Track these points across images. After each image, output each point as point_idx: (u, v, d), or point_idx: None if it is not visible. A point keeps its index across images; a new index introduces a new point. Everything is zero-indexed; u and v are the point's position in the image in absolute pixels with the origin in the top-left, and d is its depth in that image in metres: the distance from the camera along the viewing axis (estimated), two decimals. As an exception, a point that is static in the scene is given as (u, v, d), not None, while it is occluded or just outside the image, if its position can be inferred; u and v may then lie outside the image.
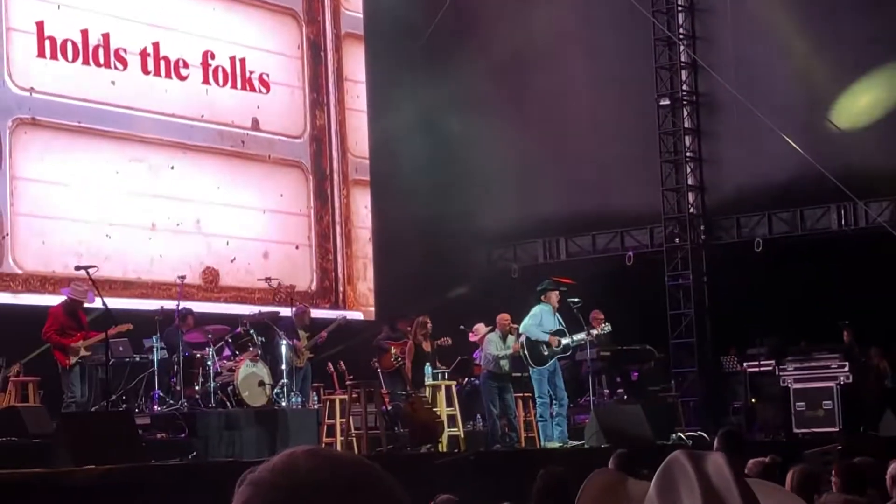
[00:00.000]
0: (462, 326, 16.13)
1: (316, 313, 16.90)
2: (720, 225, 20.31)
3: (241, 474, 4.27)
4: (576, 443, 14.41)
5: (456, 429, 15.14)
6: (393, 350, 15.68)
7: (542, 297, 14.72)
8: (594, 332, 15.08)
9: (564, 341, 14.49)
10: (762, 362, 17.64)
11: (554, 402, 14.53)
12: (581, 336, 14.70)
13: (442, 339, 15.90)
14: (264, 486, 1.61)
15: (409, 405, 14.40)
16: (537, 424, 14.87)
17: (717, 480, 1.84)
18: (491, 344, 14.98)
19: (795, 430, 16.69)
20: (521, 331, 14.60)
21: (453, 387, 15.44)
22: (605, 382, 17.39)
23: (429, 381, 15.31)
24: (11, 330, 14.02)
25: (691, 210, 20.23)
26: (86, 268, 13.20)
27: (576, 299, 14.88)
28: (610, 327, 15.38)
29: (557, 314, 14.69)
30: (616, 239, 20.96)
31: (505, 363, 14.84)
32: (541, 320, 14.55)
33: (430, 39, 20.36)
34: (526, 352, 14.47)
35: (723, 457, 1.88)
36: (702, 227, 20.24)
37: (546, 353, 14.40)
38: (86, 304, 13.65)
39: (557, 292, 14.75)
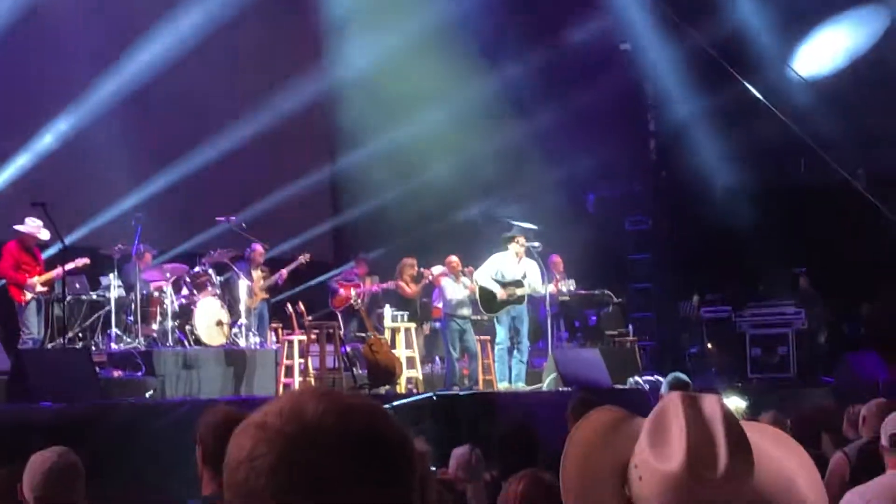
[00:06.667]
0: (420, 269, 16.02)
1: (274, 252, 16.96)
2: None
3: (200, 413, 4.13)
4: (533, 386, 14.36)
5: (414, 370, 15.16)
6: (353, 293, 15.74)
7: (509, 244, 14.55)
8: (554, 286, 14.92)
9: (520, 292, 14.31)
10: (719, 308, 17.83)
11: (515, 347, 14.50)
12: (539, 290, 14.52)
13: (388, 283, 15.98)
14: (271, 432, 1.54)
15: (369, 346, 14.40)
16: (494, 367, 14.84)
17: (708, 421, 1.84)
18: (446, 287, 14.93)
19: (750, 376, 16.80)
20: (474, 278, 14.52)
21: (413, 329, 15.44)
22: (564, 326, 17.38)
23: (388, 322, 15.35)
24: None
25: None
26: (42, 204, 12.95)
27: (535, 244, 14.74)
28: (574, 285, 15.29)
29: (525, 259, 14.49)
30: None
31: (462, 308, 14.76)
32: (498, 269, 14.41)
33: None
34: (478, 297, 14.41)
35: (718, 398, 1.86)
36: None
37: (498, 301, 14.27)
38: (41, 240, 13.58)
39: (523, 238, 14.57)
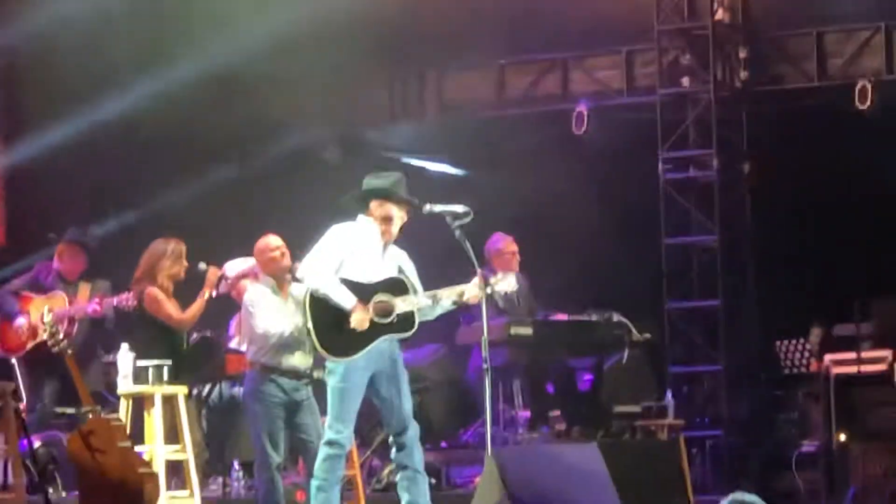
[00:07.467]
0: (199, 264, 16.33)
1: None
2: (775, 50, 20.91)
3: None
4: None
5: (187, 492, 15.62)
6: (48, 318, 15.66)
7: (372, 204, 14.13)
8: (495, 288, 14.30)
9: (402, 307, 13.92)
10: (866, 355, 17.84)
11: (393, 440, 14.16)
12: (448, 298, 14.07)
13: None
14: None
15: (82, 437, 14.45)
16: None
17: None
18: (257, 306, 15.01)
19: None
20: (299, 276, 14.36)
21: (181, 398, 15.79)
22: (521, 394, 18.10)
23: (129, 385, 15.55)
24: None
25: (718, 16, 20.77)
26: None
27: (459, 210, 13.78)
28: (513, 284, 14.51)
29: (393, 248, 14.28)
30: (556, 74, 21.79)
31: (291, 353, 15.03)
32: (347, 255, 14.14)
33: None
34: (311, 325, 13.96)
35: None
36: (740, 55, 20.71)
37: (352, 328, 13.92)
38: None
39: (398, 201, 14.15)
